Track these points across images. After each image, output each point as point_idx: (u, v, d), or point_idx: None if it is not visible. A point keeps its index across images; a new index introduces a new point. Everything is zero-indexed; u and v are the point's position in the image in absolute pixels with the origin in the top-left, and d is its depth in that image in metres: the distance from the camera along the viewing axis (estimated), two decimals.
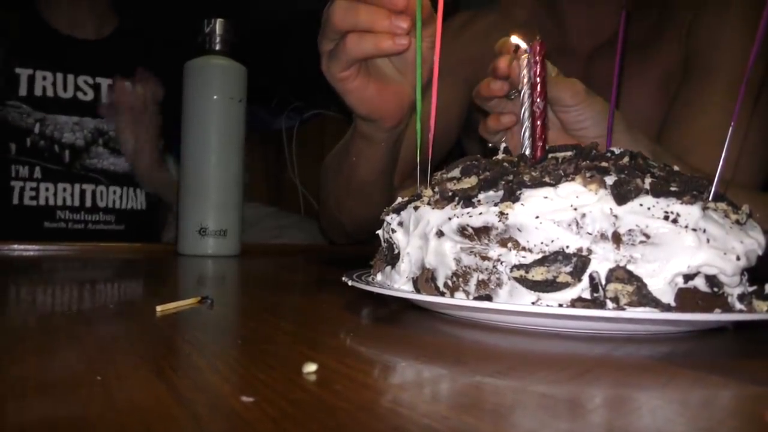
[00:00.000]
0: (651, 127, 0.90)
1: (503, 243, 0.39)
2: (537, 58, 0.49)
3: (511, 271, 0.38)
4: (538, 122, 0.48)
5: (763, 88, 0.78)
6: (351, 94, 0.68)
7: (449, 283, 0.41)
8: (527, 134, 0.49)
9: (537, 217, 0.38)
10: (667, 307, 0.36)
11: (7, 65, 1.20)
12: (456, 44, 1.04)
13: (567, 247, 0.37)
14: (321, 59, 0.66)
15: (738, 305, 0.39)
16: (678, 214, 0.37)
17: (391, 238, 0.47)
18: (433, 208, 0.43)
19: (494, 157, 0.49)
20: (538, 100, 0.48)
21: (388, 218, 0.47)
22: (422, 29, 0.52)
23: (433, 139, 0.49)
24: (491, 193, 0.42)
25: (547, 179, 0.40)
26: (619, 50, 0.57)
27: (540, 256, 0.38)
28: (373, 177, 0.84)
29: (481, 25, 1.07)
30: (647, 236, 0.37)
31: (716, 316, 0.37)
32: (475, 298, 0.40)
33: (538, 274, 0.37)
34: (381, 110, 0.70)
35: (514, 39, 0.57)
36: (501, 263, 0.39)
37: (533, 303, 0.38)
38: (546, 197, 0.38)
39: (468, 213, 0.40)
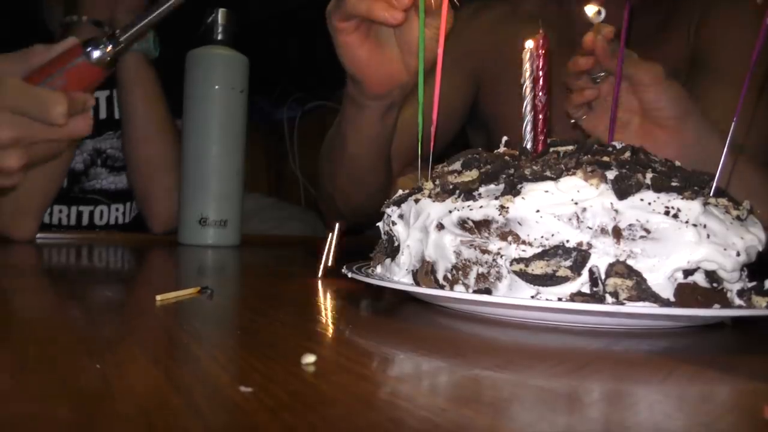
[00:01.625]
0: None
1: (503, 236, 0.39)
2: (540, 51, 0.49)
3: (511, 264, 0.38)
4: (540, 116, 0.48)
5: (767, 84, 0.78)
6: (343, 47, 0.69)
7: (449, 276, 0.41)
8: (529, 128, 0.49)
9: (537, 210, 0.38)
10: (666, 302, 0.36)
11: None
12: (463, 35, 1.04)
13: (567, 241, 0.37)
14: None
15: (737, 301, 0.39)
16: (679, 210, 0.37)
17: (391, 230, 0.47)
18: (433, 201, 0.43)
19: (495, 151, 0.49)
20: (540, 93, 0.48)
21: (388, 210, 0.47)
22: (429, 19, 0.52)
23: (435, 129, 0.49)
24: (492, 186, 0.42)
25: (548, 173, 0.40)
26: (623, 45, 0.56)
27: (540, 250, 0.38)
28: (362, 151, 0.84)
29: (488, 17, 1.07)
30: (648, 231, 0.37)
31: (715, 312, 0.37)
32: (475, 292, 0.40)
33: (537, 267, 0.37)
34: (366, 72, 0.71)
35: (592, 8, 0.58)
36: (501, 257, 0.39)
37: (532, 297, 0.38)
38: (547, 191, 0.38)
39: (468, 206, 0.40)
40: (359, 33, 0.67)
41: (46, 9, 1.18)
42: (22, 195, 0.99)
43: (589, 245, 0.37)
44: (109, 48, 0.63)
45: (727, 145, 0.44)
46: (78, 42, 0.64)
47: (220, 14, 1.01)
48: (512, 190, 0.39)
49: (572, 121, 0.71)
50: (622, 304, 0.36)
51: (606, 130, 0.68)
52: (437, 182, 0.45)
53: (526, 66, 0.49)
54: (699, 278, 0.37)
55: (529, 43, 0.50)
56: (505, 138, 0.51)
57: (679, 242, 0.36)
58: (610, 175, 0.39)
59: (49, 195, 1.05)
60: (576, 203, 0.38)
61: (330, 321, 0.43)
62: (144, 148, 1.11)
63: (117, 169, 1.23)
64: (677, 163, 0.44)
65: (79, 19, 1.04)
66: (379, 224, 0.50)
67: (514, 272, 0.38)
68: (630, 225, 0.37)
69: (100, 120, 1.20)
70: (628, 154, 0.42)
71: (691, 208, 0.37)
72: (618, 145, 0.44)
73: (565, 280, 0.37)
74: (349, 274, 0.46)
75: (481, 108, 1.06)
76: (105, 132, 1.21)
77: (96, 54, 0.63)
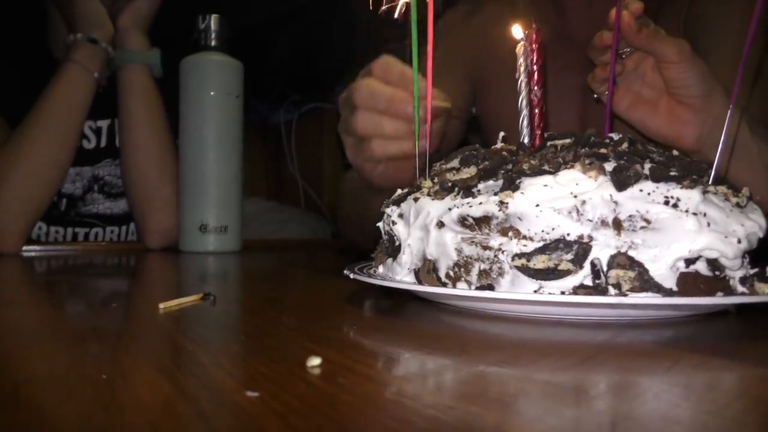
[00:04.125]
0: None
1: (504, 232, 0.39)
2: (534, 46, 0.49)
3: (513, 260, 0.38)
4: (536, 110, 0.48)
5: (762, 68, 0.78)
6: (375, 178, 0.69)
7: (451, 273, 0.41)
8: (525, 122, 0.49)
9: (537, 205, 0.38)
10: (669, 292, 0.36)
11: (24, 105, 1.10)
12: (457, 40, 1.05)
13: (568, 234, 0.37)
14: (345, 148, 0.69)
15: (740, 288, 0.39)
16: (678, 199, 0.37)
17: (391, 230, 0.47)
18: (433, 199, 0.43)
19: (493, 147, 0.49)
20: (536, 88, 0.48)
21: (388, 210, 0.47)
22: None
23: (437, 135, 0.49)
24: (491, 182, 0.42)
25: (546, 167, 0.40)
26: (615, 37, 0.56)
27: (541, 244, 0.38)
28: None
29: (481, 19, 1.08)
30: (648, 221, 0.37)
31: (718, 300, 0.37)
32: (477, 288, 0.40)
33: (539, 262, 0.37)
34: (398, 183, 0.71)
35: None
36: (502, 252, 0.39)
37: (535, 291, 0.38)
38: (546, 185, 0.38)
39: (468, 203, 0.40)
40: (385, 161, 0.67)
41: (52, 38, 1.19)
42: (11, 206, 1.00)
43: (590, 238, 0.37)
44: None
45: (725, 130, 0.44)
46: None
47: (213, 20, 1.01)
48: (511, 185, 0.39)
49: (595, 96, 0.71)
50: (625, 295, 0.36)
51: (628, 107, 0.68)
52: (436, 180, 0.45)
53: (521, 61, 0.49)
54: (701, 267, 0.37)
55: (519, 32, 0.50)
56: (502, 134, 0.51)
57: (679, 231, 0.36)
58: (609, 166, 0.39)
59: (39, 208, 1.05)
60: (575, 196, 0.38)
61: (334, 323, 0.43)
62: (143, 157, 1.11)
63: (113, 195, 1.24)
64: (675, 153, 0.44)
65: (75, 37, 1.05)
66: (380, 224, 0.50)
67: (516, 267, 0.38)
68: (630, 216, 0.37)
69: (100, 148, 1.20)
70: (625, 145, 0.42)
71: (691, 197, 0.37)
72: (615, 137, 0.44)
73: (567, 273, 0.37)
74: (351, 275, 0.46)
75: (481, 115, 1.06)
76: (104, 159, 1.21)
77: None
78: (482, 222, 0.40)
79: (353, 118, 0.64)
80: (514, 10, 1.02)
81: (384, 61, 0.64)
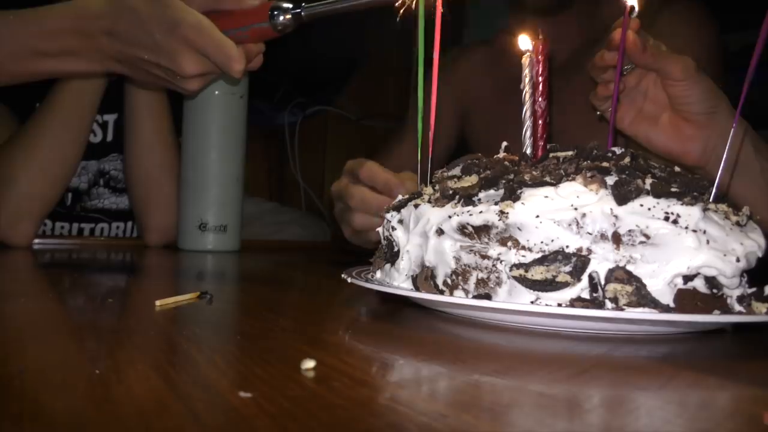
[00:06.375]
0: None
1: (503, 242, 0.39)
2: (539, 57, 0.49)
3: (511, 270, 0.38)
4: (540, 121, 0.48)
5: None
6: (349, 238, 0.81)
7: (448, 281, 0.41)
8: (528, 133, 0.49)
9: (537, 216, 0.38)
10: (666, 308, 0.36)
11: (29, 102, 1.09)
12: (450, 80, 1.10)
13: (567, 246, 0.37)
14: (333, 210, 0.83)
15: (737, 307, 0.39)
16: (678, 215, 0.37)
17: (391, 235, 0.47)
18: (433, 206, 0.43)
19: (495, 156, 0.49)
20: (540, 99, 0.48)
21: (388, 216, 0.47)
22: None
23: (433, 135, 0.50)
24: (492, 191, 0.42)
25: (547, 179, 0.40)
26: (621, 55, 0.56)
27: (540, 255, 0.38)
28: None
29: (472, 60, 1.14)
30: (647, 237, 0.37)
31: (715, 318, 0.37)
32: (475, 297, 0.40)
33: (537, 273, 0.37)
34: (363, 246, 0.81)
35: (631, 1, 0.57)
36: (500, 262, 0.39)
37: (532, 302, 0.38)
38: (546, 196, 0.38)
39: (468, 211, 0.40)
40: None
41: None
42: (21, 200, 0.99)
43: (589, 251, 0.37)
44: (290, 17, 0.64)
45: (727, 149, 0.44)
46: (268, 4, 0.66)
47: None
48: (512, 195, 0.39)
49: (598, 113, 0.71)
50: (622, 309, 0.36)
51: (631, 123, 0.69)
52: (437, 187, 0.45)
53: (526, 71, 0.49)
54: (699, 284, 0.37)
55: (527, 44, 0.50)
56: (504, 143, 0.51)
57: (678, 248, 0.36)
58: (610, 180, 0.39)
59: (48, 202, 1.05)
60: (576, 209, 0.38)
61: (330, 326, 0.43)
62: (146, 153, 1.10)
63: (119, 190, 1.23)
64: (677, 169, 0.44)
65: None
66: (379, 229, 0.50)
67: (514, 277, 0.38)
68: (630, 230, 0.37)
69: (107, 142, 1.20)
70: (627, 159, 0.42)
71: (691, 213, 0.37)
72: (617, 151, 0.44)
73: (564, 285, 0.37)
74: (349, 279, 0.46)
75: (466, 131, 1.14)
76: (110, 154, 1.21)
77: (280, 20, 0.64)
78: (482, 231, 0.40)
79: (351, 216, 0.77)
80: (495, 54, 1.09)
81: (368, 168, 0.74)
